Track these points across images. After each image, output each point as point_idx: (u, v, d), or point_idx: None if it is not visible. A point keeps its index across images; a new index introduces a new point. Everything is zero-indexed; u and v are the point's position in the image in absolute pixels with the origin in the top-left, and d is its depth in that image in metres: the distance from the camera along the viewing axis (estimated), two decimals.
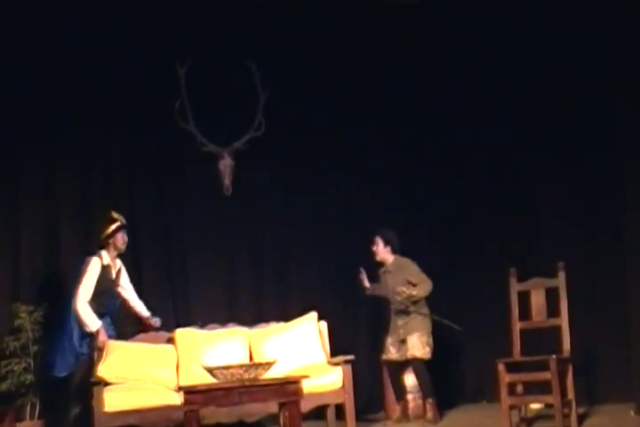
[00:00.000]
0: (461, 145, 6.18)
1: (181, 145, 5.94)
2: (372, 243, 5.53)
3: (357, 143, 6.23)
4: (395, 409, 5.47)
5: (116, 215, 5.17)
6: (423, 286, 5.42)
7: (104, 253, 5.08)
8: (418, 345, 5.35)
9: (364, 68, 6.19)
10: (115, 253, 5.13)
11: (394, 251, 5.55)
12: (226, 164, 5.99)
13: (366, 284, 5.47)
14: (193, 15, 5.87)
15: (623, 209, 5.27)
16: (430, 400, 5.32)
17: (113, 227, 5.10)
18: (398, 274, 5.48)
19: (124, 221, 5.16)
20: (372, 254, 5.55)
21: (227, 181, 5.97)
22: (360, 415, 5.18)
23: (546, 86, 5.75)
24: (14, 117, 5.55)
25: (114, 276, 5.12)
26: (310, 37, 6.11)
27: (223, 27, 5.94)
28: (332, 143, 6.16)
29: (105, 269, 5.04)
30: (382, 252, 5.54)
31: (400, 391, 5.45)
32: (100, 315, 4.96)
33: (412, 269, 5.48)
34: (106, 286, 5.02)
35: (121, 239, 5.12)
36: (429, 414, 5.29)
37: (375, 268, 5.64)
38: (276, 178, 6.07)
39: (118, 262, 5.19)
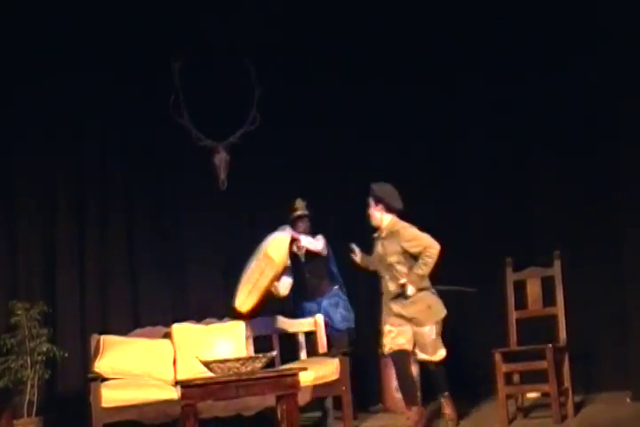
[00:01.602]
0: (457, 137, 6.16)
1: (176, 140, 5.95)
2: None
3: (353, 138, 6.21)
4: (393, 401, 5.48)
5: (297, 204, 5.47)
6: (427, 251, 4.51)
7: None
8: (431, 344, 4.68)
9: (361, 62, 6.16)
10: None
11: (388, 209, 4.62)
12: (221, 158, 6.01)
13: (357, 256, 4.80)
14: (187, 10, 5.86)
15: (621, 198, 5.26)
16: (446, 394, 4.81)
17: (293, 216, 5.46)
18: (392, 241, 4.58)
19: (303, 212, 5.41)
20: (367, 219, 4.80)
21: (222, 176, 5.99)
22: (358, 407, 5.21)
23: (548, 78, 5.71)
24: (11, 115, 5.56)
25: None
26: (305, 32, 6.08)
27: (217, 22, 5.93)
28: (327, 138, 6.15)
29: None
30: (374, 212, 4.62)
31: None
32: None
33: (407, 232, 4.53)
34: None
35: (299, 228, 5.40)
36: (448, 410, 4.83)
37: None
38: (272, 172, 6.07)
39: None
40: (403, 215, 4.85)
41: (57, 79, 5.62)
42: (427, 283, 4.79)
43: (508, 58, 5.82)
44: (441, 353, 4.85)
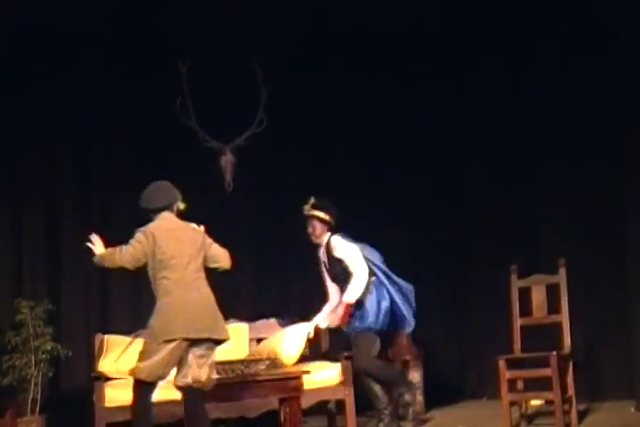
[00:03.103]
0: (461, 143, 6.16)
1: (183, 141, 5.95)
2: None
3: (359, 140, 6.22)
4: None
5: (306, 204, 5.05)
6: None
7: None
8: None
9: (365, 65, 6.17)
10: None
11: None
12: (227, 160, 6.00)
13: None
14: (194, 12, 5.87)
15: (625, 206, 5.26)
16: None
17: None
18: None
19: (308, 212, 4.97)
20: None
21: (228, 177, 5.98)
22: (361, 411, 5.18)
23: (548, 85, 5.72)
24: (16, 115, 5.56)
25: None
26: (311, 34, 6.09)
27: (224, 24, 5.93)
28: (333, 140, 6.16)
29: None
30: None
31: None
32: None
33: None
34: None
35: (308, 230, 5.01)
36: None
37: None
38: (277, 174, 6.07)
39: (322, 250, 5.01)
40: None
41: (62, 80, 5.62)
42: None
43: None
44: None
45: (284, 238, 6.01)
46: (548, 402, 4.97)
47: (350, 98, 6.15)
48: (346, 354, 5.03)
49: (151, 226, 3.97)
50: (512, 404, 4.82)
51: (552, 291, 5.03)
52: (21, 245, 5.45)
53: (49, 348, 5.00)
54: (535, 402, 5.23)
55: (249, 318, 5.48)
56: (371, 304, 4.87)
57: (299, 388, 4.18)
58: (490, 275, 5.70)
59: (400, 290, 4.95)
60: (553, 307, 5.01)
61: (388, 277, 4.96)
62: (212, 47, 5.91)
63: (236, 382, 4.09)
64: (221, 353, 4.72)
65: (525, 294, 5.11)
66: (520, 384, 4.95)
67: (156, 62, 5.83)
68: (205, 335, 3.81)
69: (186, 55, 5.89)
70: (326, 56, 6.12)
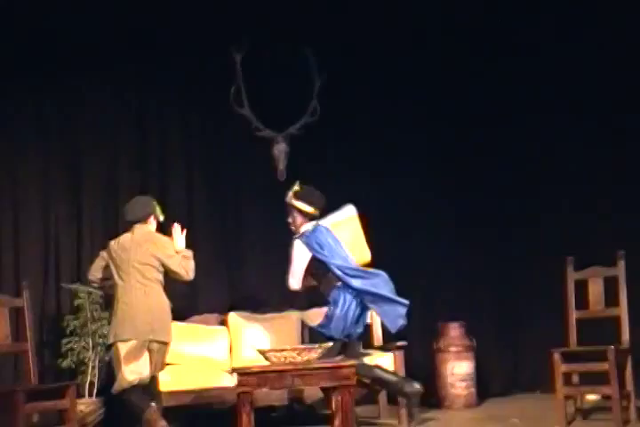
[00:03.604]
0: (519, 133, 6.06)
1: (236, 129, 5.98)
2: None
3: (411, 130, 6.16)
4: (448, 397, 5.43)
5: (288, 192, 4.87)
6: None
7: None
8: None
9: (422, 52, 6.09)
10: None
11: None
12: (280, 149, 6.00)
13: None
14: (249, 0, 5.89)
15: None
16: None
17: None
18: None
19: (287, 200, 4.80)
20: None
21: (281, 166, 5.98)
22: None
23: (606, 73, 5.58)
24: (78, 105, 5.66)
25: None
26: (367, 23, 6.04)
27: (280, 11, 5.93)
28: (387, 130, 6.11)
29: None
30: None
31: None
32: None
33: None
34: None
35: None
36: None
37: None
38: (330, 164, 6.05)
39: None
40: None
41: (114, 69, 5.70)
42: None
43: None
44: None
45: None
46: (605, 397, 4.88)
47: (406, 86, 6.08)
48: (398, 344, 5.01)
49: (117, 238, 4.50)
50: (567, 398, 4.74)
51: (609, 284, 4.92)
52: (81, 233, 5.58)
53: (105, 332, 5.10)
54: (591, 397, 5.13)
55: (301, 306, 5.51)
56: (337, 315, 4.63)
57: (351, 376, 4.18)
58: (546, 266, 5.60)
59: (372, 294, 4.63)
60: (610, 300, 4.90)
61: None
62: (266, 35, 5.91)
63: (288, 369, 4.11)
64: (274, 341, 4.79)
65: (582, 286, 5.01)
66: (575, 378, 4.86)
67: (212, 50, 5.85)
68: (149, 337, 4.25)
69: (241, 43, 5.90)
70: (382, 45, 6.06)
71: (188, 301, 5.54)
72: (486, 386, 5.67)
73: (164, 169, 5.87)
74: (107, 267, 4.43)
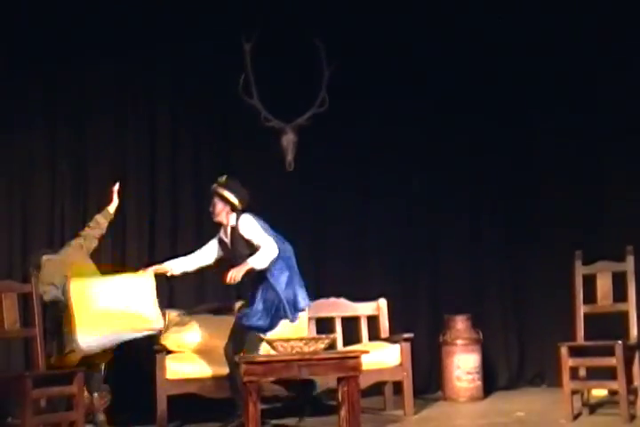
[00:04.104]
0: (531, 130, 6.03)
1: (245, 119, 5.95)
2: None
3: (421, 122, 6.13)
4: (454, 390, 5.42)
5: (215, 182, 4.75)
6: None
7: None
8: None
9: (432, 45, 6.06)
10: None
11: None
12: (289, 139, 5.98)
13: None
14: None
15: None
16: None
17: None
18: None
19: (213, 188, 4.68)
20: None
21: (289, 157, 5.96)
22: (418, 394, 5.17)
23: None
24: (85, 93, 5.64)
25: None
26: (377, 14, 6.01)
27: (290, 2, 5.90)
28: (395, 123, 6.08)
29: None
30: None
31: None
32: None
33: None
34: None
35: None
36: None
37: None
38: (339, 155, 6.03)
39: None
40: None
41: (123, 58, 5.68)
42: None
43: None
44: None
45: (343, 218, 5.99)
46: (612, 392, 4.86)
47: (416, 79, 6.06)
48: (404, 336, 5.00)
49: None
50: (574, 392, 4.73)
51: (618, 279, 4.90)
52: (86, 221, 5.57)
53: None
54: (597, 392, 5.11)
55: (309, 296, 5.48)
56: (266, 305, 4.49)
57: (357, 367, 4.17)
58: (554, 260, 5.59)
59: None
60: (619, 295, 4.88)
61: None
62: (276, 25, 5.88)
63: (295, 359, 4.10)
64: (281, 331, 4.78)
65: (590, 280, 4.99)
66: (582, 373, 4.85)
67: (221, 40, 5.83)
68: None
69: (250, 33, 5.87)
70: (392, 36, 6.03)
71: (195, 291, 5.53)
72: (492, 379, 5.66)
73: (172, 159, 5.85)
74: None
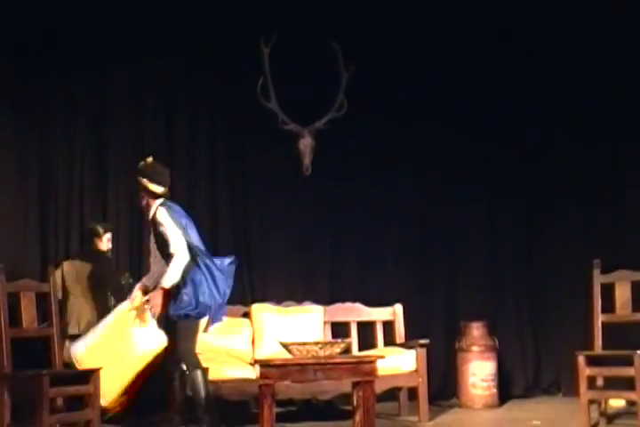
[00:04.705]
0: (546, 134, 6.00)
1: (262, 123, 5.96)
2: None
3: (440, 127, 6.11)
4: (469, 396, 5.39)
5: None
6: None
7: None
8: None
9: (451, 47, 6.05)
10: None
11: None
12: (306, 143, 5.98)
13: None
14: None
15: None
16: None
17: None
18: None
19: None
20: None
21: (306, 161, 5.96)
22: (432, 400, 5.13)
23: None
24: (105, 96, 5.66)
25: None
26: (395, 19, 6.00)
27: (309, 6, 5.91)
28: (413, 127, 6.07)
29: None
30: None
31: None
32: None
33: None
34: None
35: None
36: None
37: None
38: (356, 159, 6.02)
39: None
40: None
41: (143, 62, 5.71)
42: None
43: None
44: None
45: (360, 223, 5.97)
46: (630, 402, 4.81)
47: (434, 82, 6.04)
48: (420, 342, 4.97)
49: None
50: (591, 402, 4.67)
51: (637, 288, 4.85)
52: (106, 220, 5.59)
53: None
54: (615, 402, 5.06)
55: (324, 300, 5.49)
56: (188, 289, 4.19)
57: (373, 372, 4.14)
58: (572, 268, 5.55)
59: (212, 275, 4.24)
60: (638, 304, 4.83)
61: (206, 259, 4.29)
62: (295, 30, 5.89)
63: (311, 363, 4.08)
64: (296, 334, 4.77)
65: (609, 289, 4.94)
66: (600, 382, 4.79)
67: (240, 43, 5.84)
68: None
69: (269, 37, 5.88)
70: (410, 40, 6.02)
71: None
72: (508, 387, 5.61)
73: (189, 161, 5.86)
74: None
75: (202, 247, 4.34)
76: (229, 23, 5.82)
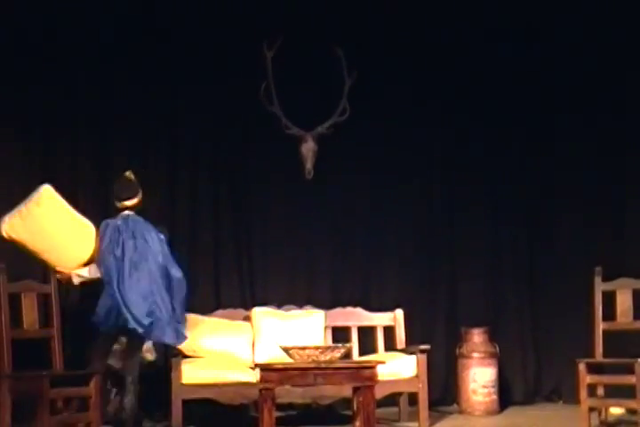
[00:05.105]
0: (547, 142, 6.00)
1: (265, 127, 5.96)
2: None
3: (443, 130, 6.12)
4: (469, 403, 5.38)
5: None
6: None
7: None
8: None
9: (452, 52, 6.06)
10: None
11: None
12: (308, 147, 5.97)
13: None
14: None
15: None
16: None
17: None
18: None
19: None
20: None
21: (308, 165, 5.95)
22: (433, 406, 5.12)
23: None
24: (106, 101, 5.66)
25: None
26: (398, 23, 6.02)
27: (312, 11, 5.92)
28: (417, 131, 6.08)
29: None
30: None
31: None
32: None
33: None
34: None
35: None
36: None
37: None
38: (359, 164, 6.02)
39: None
40: None
41: (143, 66, 5.70)
42: None
43: None
44: None
45: (362, 228, 5.96)
46: (630, 411, 4.80)
47: (437, 88, 6.05)
48: (421, 348, 4.97)
49: None
50: (591, 410, 4.68)
51: (639, 296, 4.86)
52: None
53: None
54: (615, 410, 5.05)
55: (325, 304, 5.48)
56: (101, 303, 4.44)
57: (373, 377, 4.14)
58: (573, 275, 5.55)
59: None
60: (639, 313, 4.83)
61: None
62: (298, 34, 5.90)
63: (311, 367, 4.07)
64: (297, 339, 4.77)
65: (610, 297, 4.94)
66: (600, 390, 4.79)
67: (243, 48, 5.85)
68: None
69: (272, 41, 5.89)
70: (413, 45, 6.03)
71: (211, 295, 5.51)
72: (508, 394, 5.60)
73: (192, 164, 5.86)
74: None
75: (113, 273, 4.46)
76: (233, 27, 5.83)
